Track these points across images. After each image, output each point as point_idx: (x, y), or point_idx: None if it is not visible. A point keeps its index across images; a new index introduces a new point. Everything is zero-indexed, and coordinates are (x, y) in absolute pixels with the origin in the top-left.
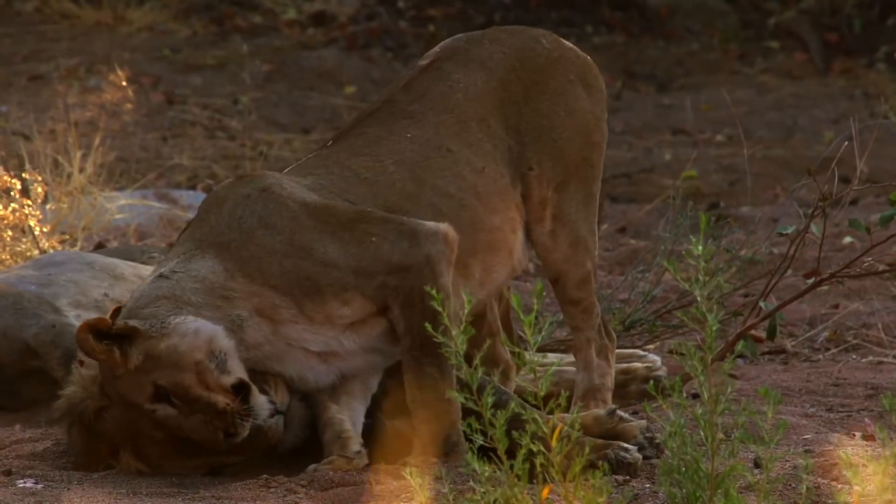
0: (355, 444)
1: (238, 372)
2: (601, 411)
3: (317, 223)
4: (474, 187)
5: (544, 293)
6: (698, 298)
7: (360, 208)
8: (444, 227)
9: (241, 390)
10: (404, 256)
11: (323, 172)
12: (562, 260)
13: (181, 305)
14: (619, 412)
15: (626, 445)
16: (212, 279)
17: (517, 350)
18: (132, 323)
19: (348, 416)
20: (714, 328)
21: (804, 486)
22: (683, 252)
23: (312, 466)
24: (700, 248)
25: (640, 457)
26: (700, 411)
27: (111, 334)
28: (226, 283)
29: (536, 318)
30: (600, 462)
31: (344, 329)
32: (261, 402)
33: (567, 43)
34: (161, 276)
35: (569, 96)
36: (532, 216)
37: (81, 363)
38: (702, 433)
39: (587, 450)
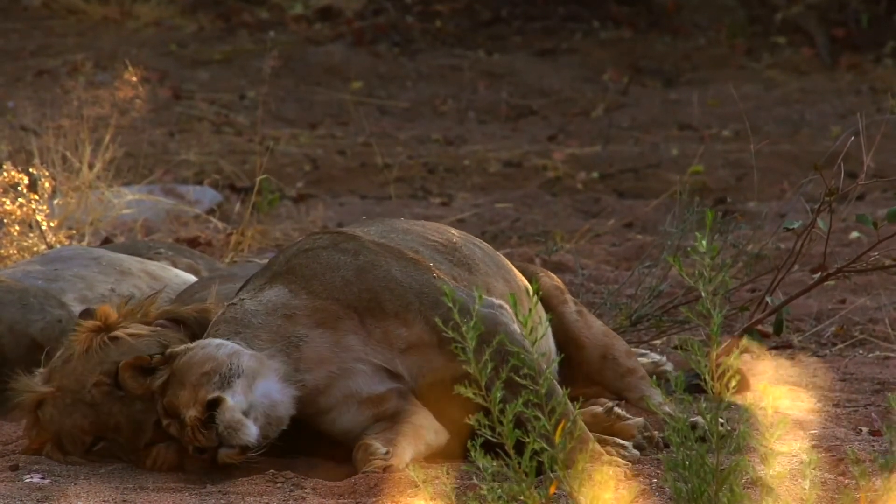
0: (381, 448)
1: (238, 392)
2: (599, 409)
3: (382, 249)
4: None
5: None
6: (703, 294)
7: (424, 258)
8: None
9: (214, 406)
10: (466, 301)
11: (386, 227)
12: (602, 333)
13: (239, 329)
14: (617, 409)
15: (622, 442)
16: (275, 300)
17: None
18: (170, 351)
19: (381, 441)
20: (718, 324)
21: (808, 482)
22: (689, 248)
23: (353, 478)
24: (704, 244)
25: (638, 453)
26: (704, 406)
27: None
28: (289, 301)
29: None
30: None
31: (401, 352)
32: (230, 418)
33: None
34: (231, 304)
35: None
36: (555, 301)
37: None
38: (706, 428)
39: (590, 446)
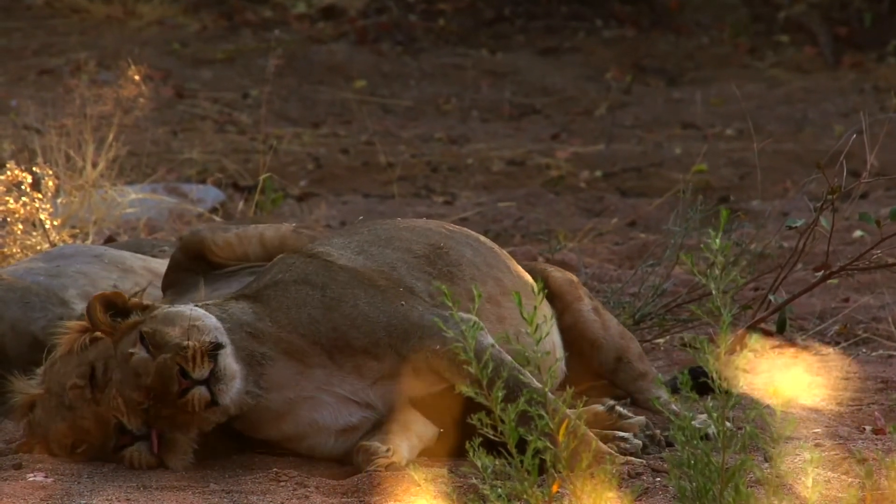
0: (381, 447)
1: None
2: (600, 407)
3: (351, 279)
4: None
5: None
6: (714, 292)
7: (399, 278)
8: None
9: (216, 349)
10: (435, 323)
11: (370, 236)
12: (619, 335)
13: None
14: (619, 408)
15: (623, 435)
16: (240, 317)
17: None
18: (148, 301)
19: (378, 440)
20: (728, 322)
21: (810, 480)
22: (702, 245)
23: (356, 476)
24: (717, 241)
25: (640, 443)
26: (711, 405)
27: (125, 309)
28: (254, 323)
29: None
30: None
31: (374, 382)
32: (229, 364)
33: None
34: (196, 306)
35: None
36: (569, 297)
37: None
38: (712, 428)
39: (594, 445)
